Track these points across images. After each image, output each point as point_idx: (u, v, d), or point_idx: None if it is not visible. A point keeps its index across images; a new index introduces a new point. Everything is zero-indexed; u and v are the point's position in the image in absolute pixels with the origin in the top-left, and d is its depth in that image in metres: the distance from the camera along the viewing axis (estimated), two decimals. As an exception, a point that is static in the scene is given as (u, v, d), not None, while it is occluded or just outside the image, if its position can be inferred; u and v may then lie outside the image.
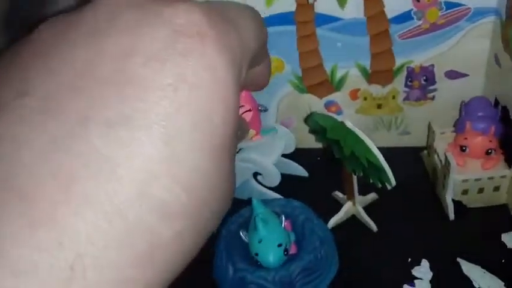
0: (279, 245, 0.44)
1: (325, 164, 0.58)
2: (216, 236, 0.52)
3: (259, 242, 0.44)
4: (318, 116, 0.48)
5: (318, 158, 0.59)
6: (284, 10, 0.51)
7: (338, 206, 0.52)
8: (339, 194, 0.53)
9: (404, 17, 0.49)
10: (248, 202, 0.52)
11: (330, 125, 0.46)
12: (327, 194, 0.54)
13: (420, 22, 0.50)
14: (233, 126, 0.18)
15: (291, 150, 0.56)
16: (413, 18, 0.49)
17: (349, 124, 0.44)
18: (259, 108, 0.53)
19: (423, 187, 0.53)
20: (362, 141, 0.44)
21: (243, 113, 0.51)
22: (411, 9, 0.49)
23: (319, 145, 0.59)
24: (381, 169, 0.43)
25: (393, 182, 0.43)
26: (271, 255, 0.44)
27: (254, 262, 0.45)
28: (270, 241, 0.44)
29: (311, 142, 0.59)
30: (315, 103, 0.56)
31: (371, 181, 0.44)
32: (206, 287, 0.47)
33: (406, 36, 0.51)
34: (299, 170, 0.56)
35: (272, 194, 0.53)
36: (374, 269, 0.46)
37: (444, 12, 0.49)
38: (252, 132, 0.52)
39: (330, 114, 0.47)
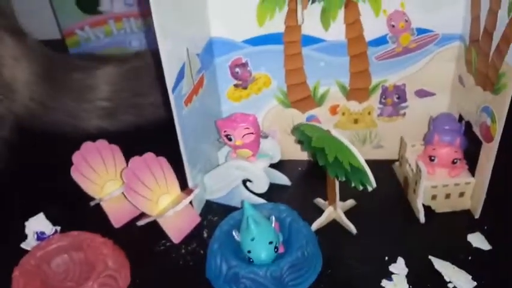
0: (270, 243, 0.48)
1: (306, 174, 0.63)
2: (205, 240, 0.55)
3: (252, 240, 0.48)
4: (305, 126, 0.52)
5: (300, 169, 0.64)
6: (274, 31, 0.56)
7: (319, 211, 0.56)
8: (320, 201, 0.57)
9: (380, 41, 0.55)
10: (237, 208, 0.56)
11: (316, 135, 0.51)
12: (308, 200, 0.58)
13: (395, 45, 0.55)
14: None
15: (276, 160, 0.60)
16: (388, 42, 0.55)
17: (334, 132, 0.49)
18: (261, 134, 0.58)
19: (395, 195, 0.58)
20: (345, 147, 0.49)
21: (246, 134, 0.55)
22: (387, 34, 0.55)
23: (300, 157, 0.64)
24: (362, 172, 0.48)
25: (374, 184, 0.48)
26: (263, 252, 0.48)
27: (246, 260, 0.49)
28: (261, 239, 0.48)
29: (293, 154, 0.63)
30: (297, 117, 0.61)
31: (353, 185, 0.49)
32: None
33: (382, 58, 0.56)
34: (283, 179, 0.61)
35: (259, 200, 0.56)
36: (354, 266, 0.50)
37: (416, 37, 0.55)
38: (249, 152, 0.57)
39: (316, 124, 0.52)
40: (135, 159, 0.53)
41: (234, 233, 0.50)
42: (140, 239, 0.55)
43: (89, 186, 0.57)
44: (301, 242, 0.49)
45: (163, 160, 0.55)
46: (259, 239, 0.48)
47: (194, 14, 0.53)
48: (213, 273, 0.49)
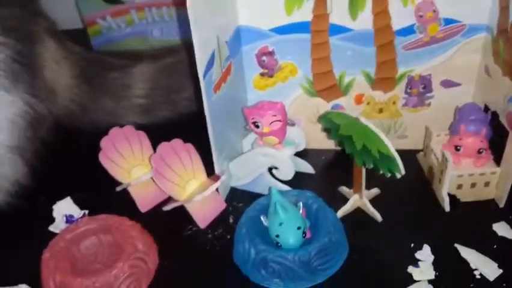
0: (298, 228, 0.49)
1: (329, 163, 0.64)
2: (231, 226, 0.56)
3: (280, 225, 0.49)
4: (332, 114, 0.53)
5: (323, 158, 0.64)
6: (301, 20, 0.56)
7: (343, 199, 0.57)
8: (345, 189, 0.57)
9: (408, 31, 0.56)
10: (261, 195, 0.57)
11: (344, 122, 0.51)
12: (332, 189, 0.59)
13: (422, 35, 0.56)
14: None
15: (301, 148, 0.61)
16: (415, 32, 0.56)
17: (363, 120, 0.50)
18: (288, 121, 0.58)
19: (419, 184, 0.59)
20: (374, 135, 0.49)
21: (273, 122, 0.56)
22: (415, 24, 0.55)
23: (324, 146, 0.64)
24: (392, 159, 0.48)
25: (403, 171, 0.48)
26: (291, 237, 0.48)
27: (273, 245, 0.50)
28: (290, 224, 0.49)
29: (317, 143, 0.64)
30: (322, 106, 0.62)
31: (381, 172, 0.49)
32: (228, 273, 0.50)
33: (408, 48, 0.57)
34: (307, 167, 0.61)
35: (285, 187, 0.57)
36: (380, 253, 0.51)
37: (443, 28, 0.55)
38: (275, 140, 0.58)
39: (344, 112, 0.52)
40: (163, 145, 0.54)
41: (262, 218, 0.50)
42: (166, 223, 0.56)
43: (116, 171, 0.58)
44: (328, 228, 0.50)
45: (190, 146, 0.56)
46: (288, 224, 0.48)
47: (224, 2, 0.54)
48: (241, 257, 0.50)
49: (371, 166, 0.50)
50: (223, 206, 0.58)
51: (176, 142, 0.56)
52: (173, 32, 0.83)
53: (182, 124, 0.71)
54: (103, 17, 0.84)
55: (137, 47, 0.83)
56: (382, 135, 0.48)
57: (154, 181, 0.55)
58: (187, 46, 0.74)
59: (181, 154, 0.55)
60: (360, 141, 0.49)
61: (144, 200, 0.58)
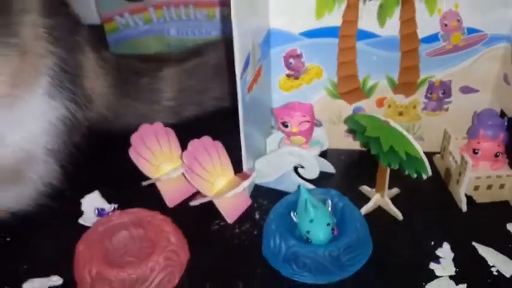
0: (328, 224, 0.51)
1: (349, 163, 0.66)
2: (258, 222, 0.58)
3: (311, 221, 0.51)
4: (359, 116, 0.55)
5: (342, 157, 0.67)
6: (330, 24, 0.58)
7: (363, 198, 0.59)
8: (366, 188, 0.60)
9: (432, 38, 0.58)
10: (285, 193, 0.59)
11: (371, 124, 0.54)
12: (352, 188, 0.61)
13: (445, 43, 0.58)
14: None
15: (325, 147, 0.63)
16: (439, 40, 0.58)
17: (392, 123, 0.52)
18: (316, 122, 0.60)
19: (436, 185, 0.61)
20: (403, 137, 0.51)
21: (302, 122, 0.58)
22: (439, 32, 0.58)
23: (344, 146, 0.67)
24: (419, 160, 0.51)
25: (430, 172, 0.51)
26: (321, 233, 0.51)
27: (303, 240, 0.52)
28: (320, 221, 0.51)
29: (337, 143, 0.66)
30: (344, 108, 0.64)
31: (407, 172, 0.52)
32: (257, 266, 0.52)
33: (431, 54, 0.59)
34: (328, 167, 0.63)
35: (309, 185, 0.59)
36: (402, 250, 0.53)
37: (466, 37, 0.58)
38: (302, 139, 0.60)
39: (372, 114, 0.55)
40: (194, 142, 0.56)
41: (292, 214, 0.52)
42: (193, 218, 0.58)
43: (145, 166, 0.60)
44: (355, 225, 0.52)
45: (218, 144, 0.58)
46: (318, 220, 0.50)
47: (260, 5, 0.56)
48: (271, 252, 0.52)
49: (397, 167, 0.52)
50: (249, 202, 0.60)
51: (206, 139, 0.57)
52: (189, 31, 0.85)
53: (208, 122, 0.73)
54: (121, 14, 0.85)
55: (157, 48, 0.84)
56: (411, 138, 0.51)
57: (184, 177, 0.56)
58: (210, 48, 0.77)
59: (210, 151, 0.57)
60: (388, 143, 0.52)
61: (172, 196, 0.60)
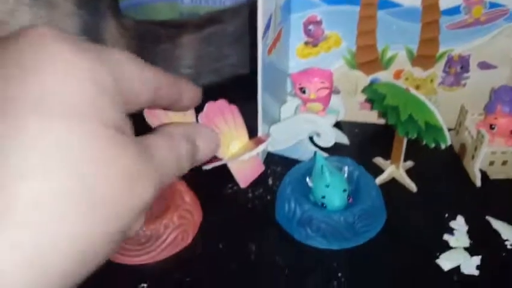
0: (344, 191, 0.51)
1: (363, 135, 0.66)
2: (271, 187, 0.57)
3: (327, 186, 0.50)
4: (378, 84, 0.55)
5: (356, 130, 0.66)
6: (352, -9, 0.58)
7: (376, 170, 0.59)
8: (380, 160, 0.60)
9: (454, 11, 0.58)
10: (298, 161, 0.58)
11: (390, 92, 0.53)
12: (366, 159, 0.60)
13: (467, 16, 0.58)
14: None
15: (341, 117, 0.63)
16: (461, 12, 0.58)
17: (412, 91, 0.52)
18: (334, 89, 0.59)
19: (450, 160, 0.61)
20: (423, 105, 0.51)
21: (321, 89, 0.57)
22: (461, 4, 0.57)
23: (358, 119, 0.66)
24: (439, 129, 0.50)
25: (449, 141, 0.51)
26: (337, 198, 0.50)
27: (318, 206, 0.51)
28: (336, 186, 0.51)
29: (351, 116, 0.66)
30: (361, 79, 0.63)
31: (424, 142, 0.52)
32: (270, 230, 0.52)
33: (452, 27, 0.59)
34: (342, 138, 0.63)
35: (324, 154, 0.59)
36: (416, 221, 0.53)
37: (487, 11, 0.57)
38: (320, 106, 0.59)
39: (391, 82, 0.54)
40: (210, 104, 0.55)
41: (307, 179, 0.52)
42: (206, 181, 0.57)
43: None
44: (371, 193, 0.52)
45: (234, 108, 0.57)
46: (334, 186, 0.50)
47: (282, -33, 0.55)
48: (285, 216, 0.52)
49: (415, 136, 0.52)
50: (262, 168, 0.59)
51: (222, 102, 0.56)
52: (202, 0, 0.84)
53: (225, 90, 0.72)
54: (134, -21, 0.84)
55: (168, 16, 0.83)
56: (431, 106, 0.50)
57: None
58: (228, 14, 0.76)
59: (225, 114, 0.56)
60: (406, 112, 0.51)
61: (245, 175, 0.57)
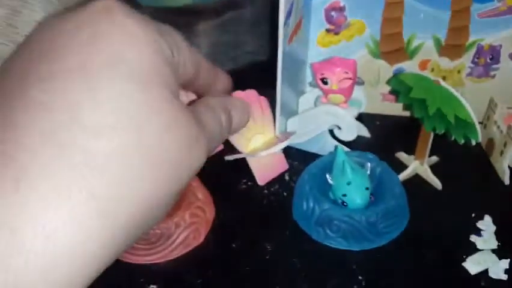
0: (366, 189, 0.48)
1: (384, 128, 0.63)
2: (288, 183, 0.55)
3: (348, 184, 0.48)
4: (405, 75, 0.52)
5: (377, 123, 0.63)
6: (378, -24, 0.54)
7: (398, 165, 0.56)
8: (403, 155, 0.57)
9: (486, -3, 0.54)
10: (316, 155, 0.56)
11: (418, 85, 0.50)
12: (386, 154, 0.57)
13: (500, 4, 0.54)
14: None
15: (363, 109, 0.60)
16: (493, 0, 0.54)
17: (443, 83, 0.48)
18: (357, 80, 0.56)
19: (476, 155, 0.58)
20: (454, 98, 0.48)
21: (344, 79, 0.54)
22: (494, -10, 0.54)
23: (379, 111, 0.63)
24: (470, 124, 0.47)
25: (480, 138, 0.47)
26: (359, 197, 0.47)
27: (338, 204, 0.49)
28: (358, 184, 0.48)
29: (373, 108, 0.63)
30: (384, 69, 0.60)
31: (453, 137, 0.49)
32: (287, 228, 0.50)
33: (484, 16, 0.55)
34: (363, 130, 0.60)
35: (345, 148, 0.56)
36: (440, 220, 0.50)
37: (522, -3, 0.54)
38: (342, 98, 0.56)
39: (420, 73, 0.51)
40: (237, 94, 0.49)
41: (327, 176, 0.49)
42: (221, 176, 0.55)
43: (236, 138, 0.52)
44: (394, 191, 0.49)
45: (263, 100, 0.52)
46: (356, 183, 0.47)
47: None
48: (303, 214, 0.49)
49: (442, 132, 0.49)
50: (286, 167, 0.56)
51: (250, 93, 0.51)
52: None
53: (241, 76, 0.69)
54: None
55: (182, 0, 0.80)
56: (463, 99, 0.47)
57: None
58: (244, 2, 0.73)
59: (253, 106, 0.51)
60: (434, 105, 0.48)
61: (263, 173, 0.54)
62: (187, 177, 0.26)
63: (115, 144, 0.22)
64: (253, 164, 0.53)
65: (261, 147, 0.53)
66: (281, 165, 0.56)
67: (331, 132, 0.58)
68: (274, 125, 0.54)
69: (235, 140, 0.52)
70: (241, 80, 0.66)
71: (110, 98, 0.23)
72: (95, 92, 0.23)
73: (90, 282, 0.22)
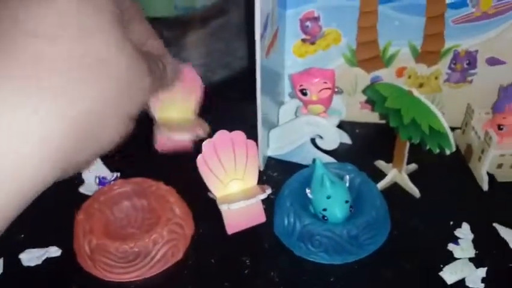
0: (346, 202, 0.48)
1: (364, 136, 0.63)
2: (268, 197, 0.54)
3: (328, 198, 0.48)
4: (380, 85, 0.51)
5: (357, 131, 0.63)
6: (351, -14, 0.54)
7: (377, 173, 0.56)
8: (382, 163, 0.57)
9: (461, 4, 0.54)
10: (298, 164, 0.56)
11: (393, 95, 0.50)
12: (366, 162, 0.57)
13: (474, 10, 0.54)
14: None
15: (343, 117, 0.60)
16: (468, 5, 0.54)
17: (416, 93, 0.48)
18: (336, 89, 0.56)
19: (455, 162, 0.58)
20: (427, 109, 0.48)
21: (323, 90, 0.54)
22: (468, -4, 0.54)
23: (358, 118, 0.64)
24: (443, 135, 0.47)
25: (454, 148, 0.48)
26: (339, 211, 0.47)
27: (318, 218, 0.49)
28: (338, 197, 0.48)
29: (351, 116, 0.63)
30: (361, 77, 0.60)
31: (428, 147, 0.49)
32: (268, 243, 0.50)
33: (459, 22, 0.55)
34: (344, 137, 0.60)
35: (326, 158, 0.56)
36: (419, 229, 0.51)
37: (496, 3, 0.54)
38: (321, 108, 0.56)
39: (394, 84, 0.51)
40: (221, 134, 0.49)
41: (307, 190, 0.49)
42: (201, 190, 0.55)
43: (212, 182, 0.50)
44: (374, 202, 0.49)
45: (251, 144, 0.50)
46: (335, 197, 0.47)
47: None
48: (285, 230, 0.49)
49: (417, 141, 0.49)
50: (263, 219, 0.52)
51: (238, 134, 0.49)
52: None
53: (236, 82, 0.70)
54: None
55: (163, 10, 0.79)
56: (436, 110, 0.47)
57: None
58: (231, 5, 0.73)
59: (237, 149, 0.50)
60: (409, 115, 0.48)
61: (234, 222, 0.51)
62: (137, 98, 0.26)
63: (62, 49, 0.23)
64: (225, 213, 0.50)
65: (236, 195, 0.50)
66: (257, 217, 0.52)
67: (312, 141, 0.58)
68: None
69: (211, 183, 0.50)
70: (234, 84, 0.66)
71: (48, 5, 0.23)
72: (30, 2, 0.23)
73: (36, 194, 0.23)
